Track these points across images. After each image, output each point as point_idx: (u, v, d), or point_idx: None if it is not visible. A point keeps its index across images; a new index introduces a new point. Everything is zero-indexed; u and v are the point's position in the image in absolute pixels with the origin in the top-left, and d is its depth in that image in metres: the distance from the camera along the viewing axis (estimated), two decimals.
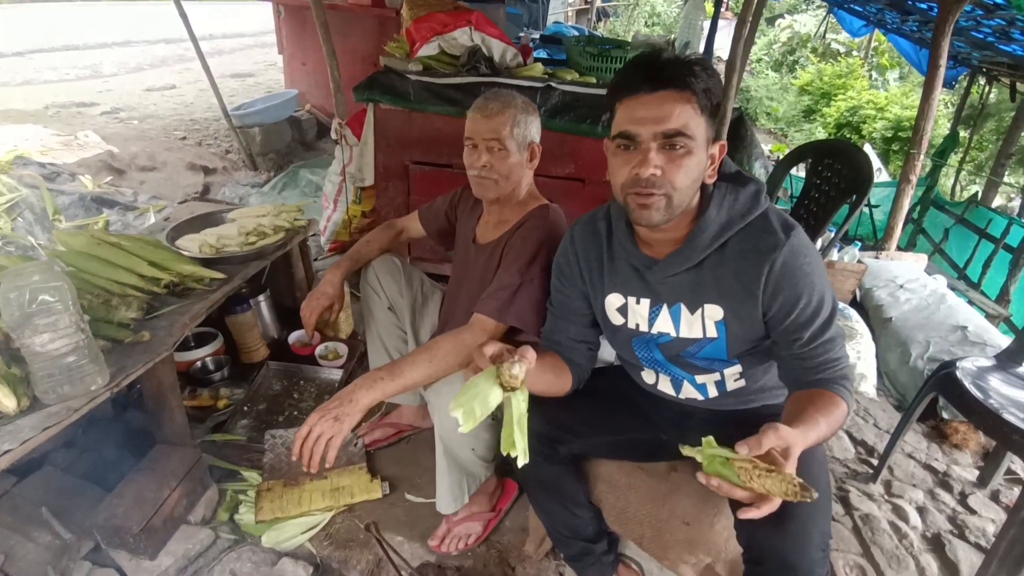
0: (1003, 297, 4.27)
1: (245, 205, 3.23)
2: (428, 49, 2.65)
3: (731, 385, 1.25)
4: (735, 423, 1.27)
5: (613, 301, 1.26)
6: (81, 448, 1.79)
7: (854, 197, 1.79)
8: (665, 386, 1.32)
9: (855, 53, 14.12)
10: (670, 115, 0.99)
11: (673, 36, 3.54)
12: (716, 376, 1.24)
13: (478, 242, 1.69)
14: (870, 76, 13.27)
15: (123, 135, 4.31)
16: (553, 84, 2.46)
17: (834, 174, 1.93)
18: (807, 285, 1.05)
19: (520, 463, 0.98)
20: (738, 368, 1.22)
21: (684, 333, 1.19)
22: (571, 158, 2.50)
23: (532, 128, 1.52)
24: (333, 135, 2.89)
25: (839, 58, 14.00)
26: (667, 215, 1.05)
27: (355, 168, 2.73)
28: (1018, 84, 6.14)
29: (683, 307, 1.17)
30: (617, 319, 1.27)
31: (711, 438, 0.95)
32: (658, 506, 1.36)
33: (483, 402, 1.00)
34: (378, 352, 1.92)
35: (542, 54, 3.33)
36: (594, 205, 1.34)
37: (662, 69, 1.00)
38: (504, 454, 0.99)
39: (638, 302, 1.22)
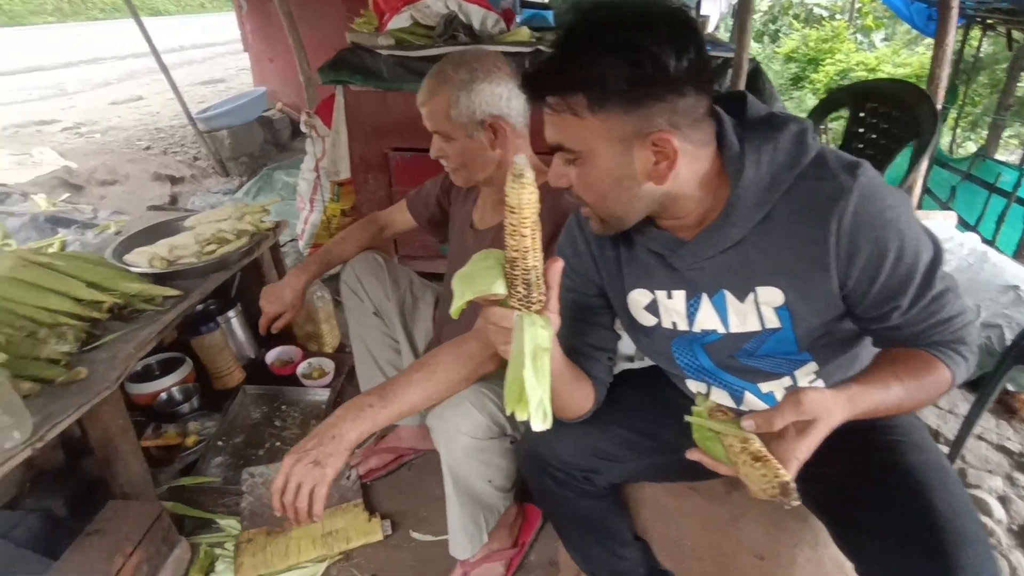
0: (1020, 253, 4.03)
1: None
2: (399, 21, 2.37)
3: None
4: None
5: (638, 299, 0.99)
6: (26, 508, 1.52)
7: (912, 143, 1.52)
8: (721, 399, 1.05)
9: (838, 16, 13.83)
10: (548, 128, 0.82)
11: None
12: (786, 380, 0.97)
13: (476, 228, 1.42)
14: (856, 39, 12.98)
15: (83, 150, 4.02)
16: (543, 48, 2.19)
17: (881, 119, 1.67)
18: (893, 234, 0.78)
19: (538, 425, 0.69)
20: (812, 366, 0.95)
21: (736, 327, 0.92)
22: None
23: (481, 100, 1.22)
24: (303, 127, 2.62)
25: (822, 23, 13.71)
26: (604, 229, 0.90)
27: (328, 162, 2.45)
28: (1014, 32, 5.88)
29: (728, 295, 0.90)
30: (647, 319, 1.00)
31: (708, 402, 0.82)
32: (720, 536, 1.10)
33: (479, 281, 0.71)
34: (367, 366, 1.66)
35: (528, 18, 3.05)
36: None
37: (534, 82, 0.82)
38: (509, 413, 0.69)
39: (669, 296, 0.95)
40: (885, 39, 13.12)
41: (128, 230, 2.01)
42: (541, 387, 0.69)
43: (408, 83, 2.21)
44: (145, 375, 1.93)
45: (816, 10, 14.30)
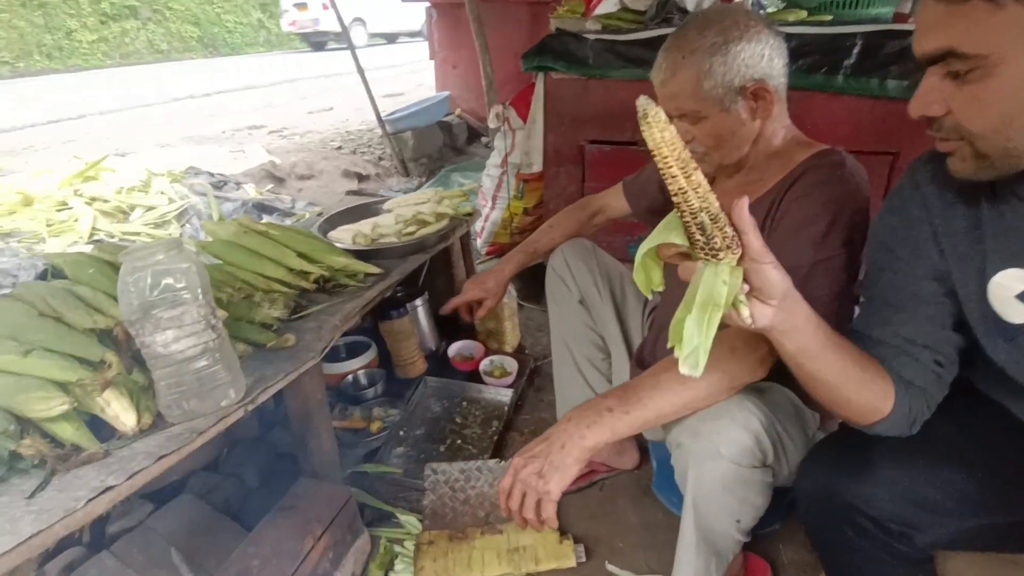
0: None
1: None
2: (606, 6, 2.22)
3: None
4: None
5: (1008, 284, 0.71)
6: (223, 472, 1.54)
7: None
8: None
9: None
10: (934, 30, 0.63)
11: None
12: None
13: None
14: None
15: (285, 148, 4.41)
16: (774, 27, 1.91)
17: None
18: None
19: (685, 371, 0.66)
20: None
21: None
22: (799, 121, 1.91)
23: (741, 62, 0.99)
24: (492, 122, 2.56)
25: None
26: (977, 171, 0.67)
27: (520, 154, 2.36)
28: None
29: None
30: (1016, 313, 0.71)
31: None
32: None
33: (659, 234, 0.67)
34: (565, 365, 1.49)
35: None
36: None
37: None
38: (669, 347, 0.68)
39: None
40: None
41: (330, 210, 2.05)
42: (699, 338, 0.65)
43: (614, 69, 2.05)
44: (333, 355, 1.93)
45: None
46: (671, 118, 1.10)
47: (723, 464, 0.88)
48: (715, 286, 0.63)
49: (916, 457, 0.77)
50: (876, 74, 1.76)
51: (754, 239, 0.64)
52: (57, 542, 0.83)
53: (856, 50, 1.81)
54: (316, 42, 14.48)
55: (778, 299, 0.67)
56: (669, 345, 0.67)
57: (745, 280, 0.65)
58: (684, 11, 2.13)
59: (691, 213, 0.62)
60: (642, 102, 0.59)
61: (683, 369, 0.66)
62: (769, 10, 2.42)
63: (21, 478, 0.90)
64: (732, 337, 0.90)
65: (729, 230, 0.63)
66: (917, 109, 0.67)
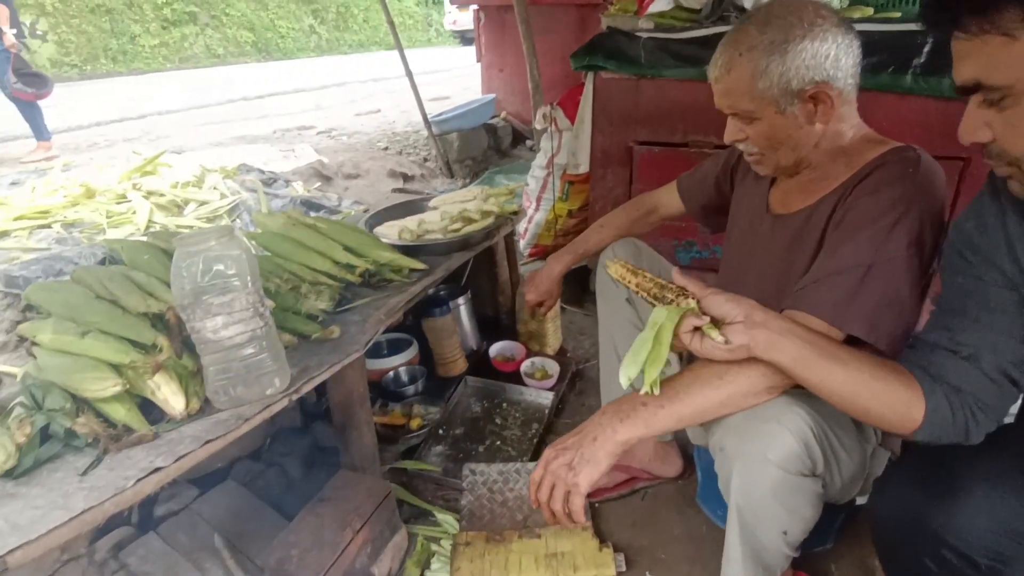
0: None
1: None
2: (660, 4, 2.17)
3: None
4: None
5: None
6: (266, 462, 1.55)
7: None
8: None
9: None
10: (962, 62, 0.65)
11: None
12: None
13: (774, 211, 1.14)
14: None
15: (333, 148, 4.50)
16: (847, 23, 1.83)
17: None
18: None
19: (625, 385, 0.86)
20: None
21: None
22: (866, 123, 1.84)
23: (800, 63, 0.92)
24: (538, 123, 2.54)
25: None
26: None
27: (567, 154, 2.33)
28: None
29: None
30: None
31: None
32: None
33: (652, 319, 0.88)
34: (610, 363, 1.45)
35: None
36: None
37: (941, 3, 0.67)
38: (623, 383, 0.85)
39: None
40: None
41: (376, 206, 2.06)
42: (634, 365, 0.84)
43: (667, 68, 2.00)
44: (375, 351, 1.93)
45: None
46: (726, 116, 1.06)
47: (770, 469, 0.83)
48: (656, 318, 0.85)
49: (1010, 483, 0.71)
50: (949, 74, 1.66)
51: (692, 285, 0.85)
52: (107, 519, 0.84)
53: (927, 48, 1.72)
54: (468, 38, 16.80)
55: (742, 317, 0.80)
56: (625, 379, 0.86)
57: (705, 313, 0.83)
58: (741, 9, 2.07)
59: (647, 292, 0.90)
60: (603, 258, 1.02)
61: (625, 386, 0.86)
62: (833, 4, 2.34)
63: (75, 455, 0.92)
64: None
65: (676, 287, 0.87)
66: (965, 136, 0.67)
